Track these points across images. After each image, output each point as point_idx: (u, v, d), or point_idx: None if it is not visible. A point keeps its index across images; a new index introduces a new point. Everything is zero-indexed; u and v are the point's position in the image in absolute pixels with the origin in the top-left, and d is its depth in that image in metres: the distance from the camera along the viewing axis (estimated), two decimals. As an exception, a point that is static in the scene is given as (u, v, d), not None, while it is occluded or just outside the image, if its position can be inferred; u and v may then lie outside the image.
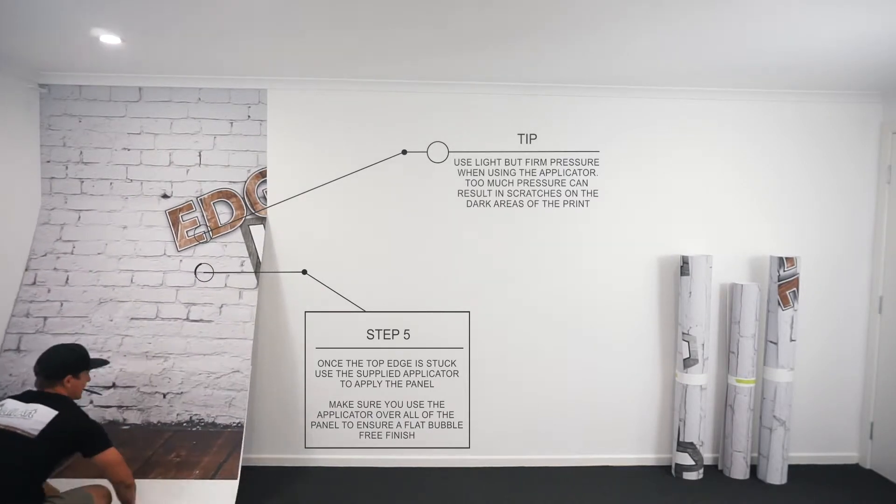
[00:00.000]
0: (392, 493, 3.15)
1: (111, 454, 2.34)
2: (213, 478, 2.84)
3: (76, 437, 2.27)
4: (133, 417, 3.11)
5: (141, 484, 2.65)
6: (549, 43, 2.67)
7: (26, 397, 2.31)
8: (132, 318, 3.24)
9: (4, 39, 2.71)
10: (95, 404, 3.11)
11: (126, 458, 2.61)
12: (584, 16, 2.34)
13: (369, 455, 3.47)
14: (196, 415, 3.12)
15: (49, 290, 3.25)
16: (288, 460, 3.45)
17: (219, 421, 3.10)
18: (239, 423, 3.07)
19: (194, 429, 3.09)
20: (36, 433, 2.16)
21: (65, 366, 2.39)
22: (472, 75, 3.21)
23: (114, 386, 3.17)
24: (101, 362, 2.67)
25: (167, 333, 3.23)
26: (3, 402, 2.29)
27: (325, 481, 3.27)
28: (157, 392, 3.16)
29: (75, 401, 2.41)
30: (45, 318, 3.22)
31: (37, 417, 2.19)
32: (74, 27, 2.54)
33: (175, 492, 2.77)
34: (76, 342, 2.81)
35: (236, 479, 2.82)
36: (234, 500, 2.76)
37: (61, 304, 3.25)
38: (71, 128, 3.33)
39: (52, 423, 2.19)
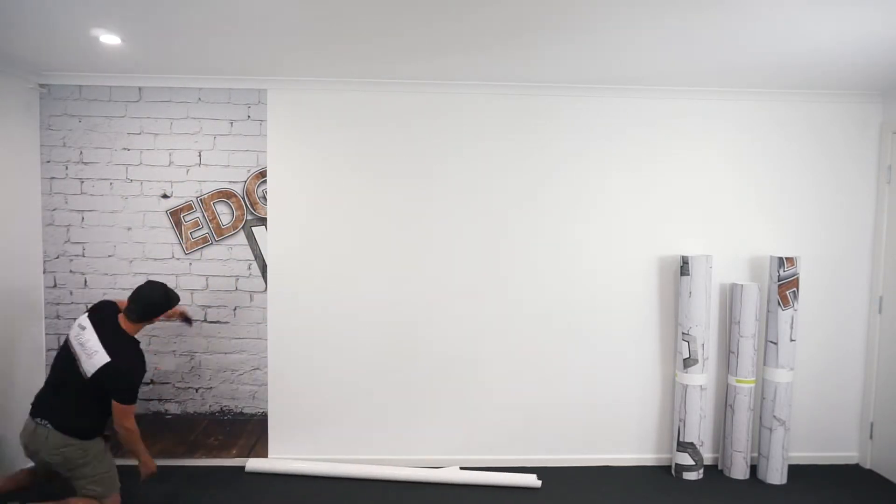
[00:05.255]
0: (391, 494, 3.14)
1: (124, 407, 2.62)
2: (247, 456, 3.39)
3: (111, 384, 2.58)
4: (174, 409, 3.49)
5: (189, 462, 3.32)
6: (549, 43, 2.67)
7: (102, 329, 2.62)
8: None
9: (4, 39, 2.72)
10: (141, 398, 3.33)
11: (173, 442, 3.37)
12: (584, 17, 2.34)
13: (368, 455, 3.46)
14: (226, 406, 3.50)
15: (71, 293, 3.40)
16: (287, 460, 3.44)
17: (245, 411, 3.50)
18: (263, 412, 3.48)
19: (226, 417, 3.50)
20: (88, 376, 2.54)
21: (159, 312, 2.75)
22: (472, 75, 3.21)
23: (152, 382, 3.45)
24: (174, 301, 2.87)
25: (189, 333, 3.45)
26: (84, 322, 2.65)
27: (324, 481, 3.27)
28: (189, 387, 3.48)
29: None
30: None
31: (95, 360, 2.55)
32: (74, 27, 2.54)
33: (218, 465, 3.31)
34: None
35: (267, 457, 3.35)
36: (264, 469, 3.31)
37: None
38: (71, 128, 3.33)
39: (102, 370, 2.54)
